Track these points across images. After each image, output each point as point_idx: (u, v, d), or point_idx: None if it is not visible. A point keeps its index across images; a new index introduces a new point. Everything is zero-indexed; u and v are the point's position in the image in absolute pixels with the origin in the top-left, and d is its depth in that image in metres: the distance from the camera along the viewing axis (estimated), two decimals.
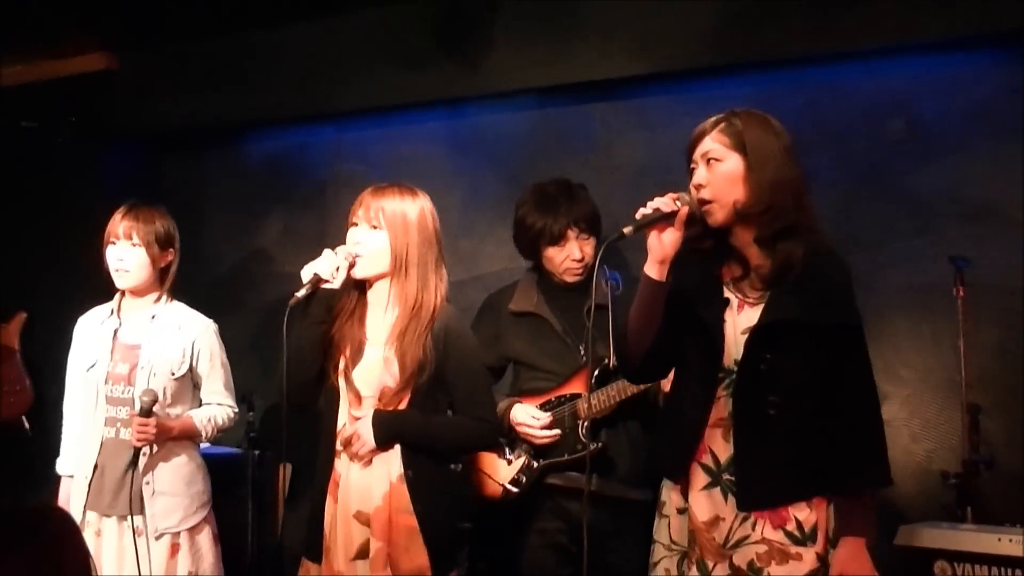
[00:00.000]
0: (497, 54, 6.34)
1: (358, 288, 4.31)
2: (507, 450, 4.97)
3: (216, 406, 5.00)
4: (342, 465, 4.21)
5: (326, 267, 4.15)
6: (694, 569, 3.68)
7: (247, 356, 5.90)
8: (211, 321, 5.07)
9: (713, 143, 3.65)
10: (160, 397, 4.78)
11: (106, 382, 4.88)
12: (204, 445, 5.06)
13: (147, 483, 4.77)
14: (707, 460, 3.69)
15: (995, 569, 4.51)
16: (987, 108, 5.51)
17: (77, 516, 4.68)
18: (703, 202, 3.63)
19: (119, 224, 4.92)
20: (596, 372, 4.80)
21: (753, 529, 3.62)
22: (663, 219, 3.60)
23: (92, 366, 4.92)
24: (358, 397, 4.22)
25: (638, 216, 3.62)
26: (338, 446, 4.23)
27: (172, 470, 4.84)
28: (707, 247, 3.72)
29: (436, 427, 4.25)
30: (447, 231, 6.31)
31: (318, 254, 4.22)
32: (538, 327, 5.02)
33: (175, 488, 4.83)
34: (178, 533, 4.79)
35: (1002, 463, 5.25)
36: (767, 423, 3.60)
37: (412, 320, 4.18)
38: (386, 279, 4.26)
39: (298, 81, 6.95)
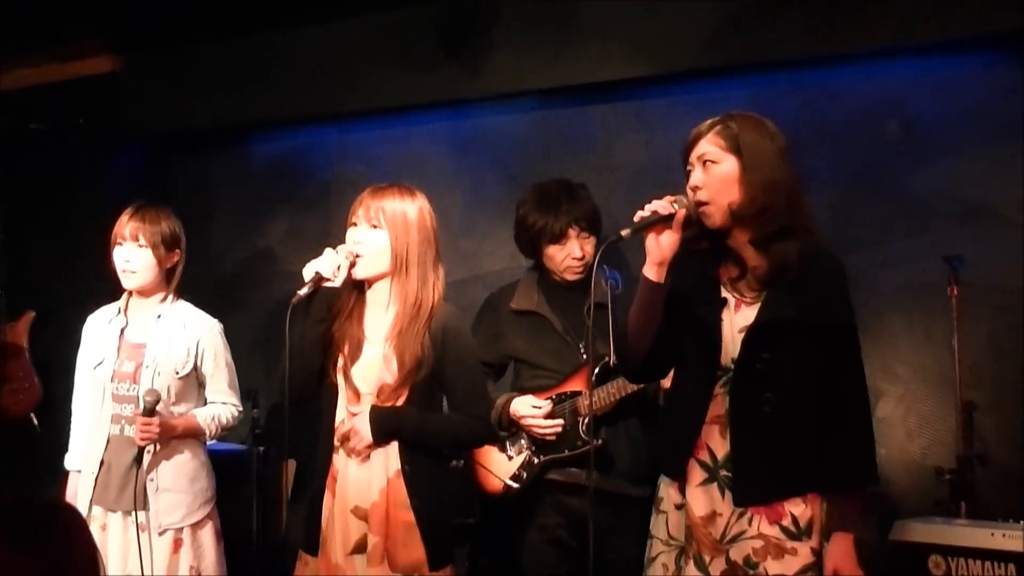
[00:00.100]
0: (498, 56, 6.33)
1: (357, 287, 4.32)
2: (508, 446, 4.98)
3: (220, 405, 5.01)
4: (340, 461, 4.23)
5: (328, 266, 4.16)
6: (692, 564, 3.70)
7: (252, 354, 5.91)
8: (216, 321, 5.08)
9: (709, 145, 3.66)
10: (164, 396, 4.80)
11: (112, 380, 4.89)
12: (209, 442, 5.07)
13: (151, 480, 4.78)
14: (704, 456, 3.70)
15: (989, 564, 4.50)
16: (982, 109, 5.50)
17: (83, 510, 4.70)
18: (700, 204, 3.64)
19: (126, 225, 4.92)
20: (596, 370, 4.80)
21: (749, 524, 3.63)
22: (661, 221, 3.61)
23: (99, 364, 4.94)
24: (357, 394, 4.24)
25: (636, 219, 3.63)
26: (336, 442, 4.25)
27: (176, 467, 4.85)
28: (704, 248, 3.73)
29: (432, 424, 4.28)
30: (449, 231, 6.37)
31: (321, 253, 4.25)
32: (539, 325, 5.03)
33: (179, 485, 4.84)
34: (181, 529, 4.80)
35: (996, 459, 5.26)
36: (763, 420, 3.62)
37: (411, 318, 4.20)
38: (386, 279, 4.28)
39: (302, 83, 6.94)
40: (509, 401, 4.95)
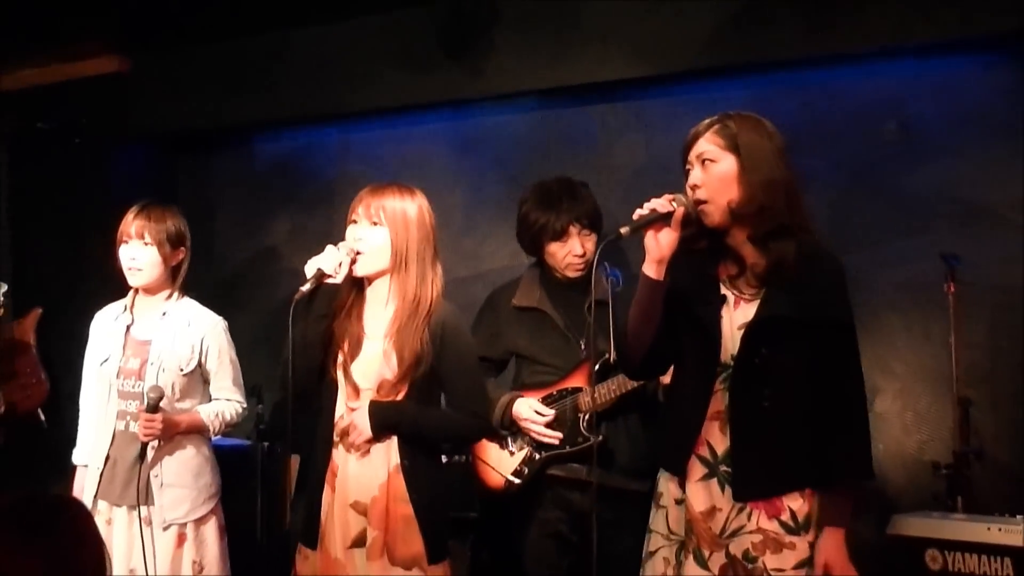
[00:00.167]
0: (499, 57, 6.34)
1: (356, 285, 4.32)
2: (509, 442, 4.98)
3: (225, 402, 5.00)
4: (339, 456, 4.24)
5: (330, 262, 4.16)
6: (691, 558, 3.70)
7: (257, 351, 5.90)
8: (220, 318, 5.07)
9: (708, 145, 3.66)
10: (169, 392, 4.80)
11: (118, 376, 4.89)
12: (214, 438, 5.07)
13: (155, 475, 4.78)
14: (704, 452, 3.71)
15: (985, 558, 4.51)
16: (980, 110, 5.52)
17: (89, 505, 4.70)
18: (699, 202, 3.64)
19: (131, 224, 4.92)
20: (597, 367, 4.80)
21: (749, 519, 3.64)
22: (660, 220, 3.62)
23: (105, 360, 4.94)
24: (356, 390, 4.24)
25: (635, 217, 3.63)
26: (335, 437, 4.26)
27: (180, 463, 4.85)
28: (703, 247, 3.73)
29: (430, 419, 4.28)
30: (450, 229, 6.39)
31: (323, 251, 4.26)
32: (540, 322, 5.03)
33: (183, 480, 4.83)
34: (185, 524, 4.80)
35: (992, 454, 5.28)
36: (762, 416, 3.62)
37: (410, 314, 4.20)
38: (385, 276, 4.28)
39: (305, 84, 6.94)
40: (512, 401, 4.95)
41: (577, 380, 4.90)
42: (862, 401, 3.70)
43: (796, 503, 3.63)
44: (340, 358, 4.29)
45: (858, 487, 3.74)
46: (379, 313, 4.30)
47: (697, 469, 3.72)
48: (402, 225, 4.25)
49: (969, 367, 5.33)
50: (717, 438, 3.69)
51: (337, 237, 4.32)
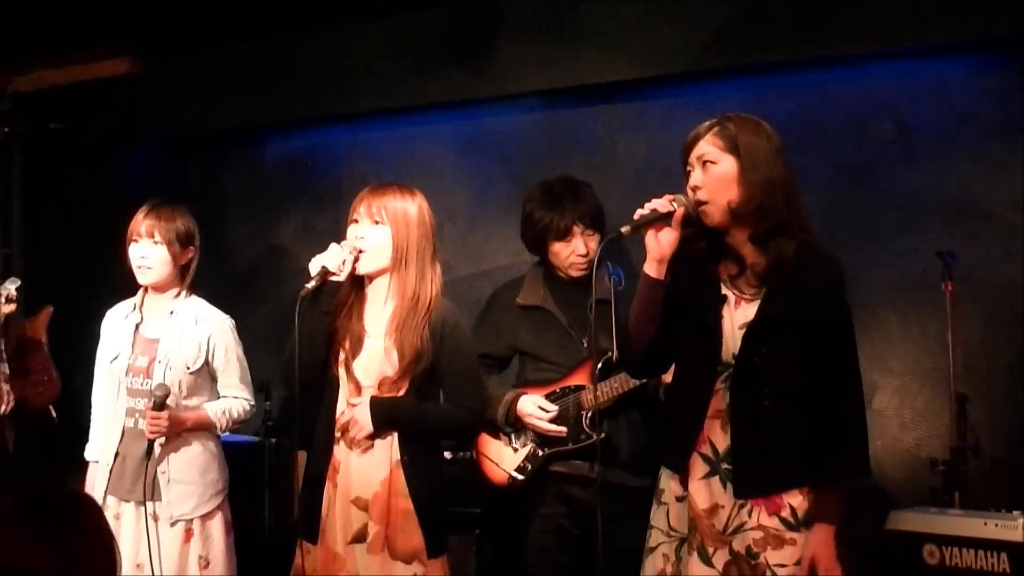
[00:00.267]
0: (503, 59, 6.34)
1: (355, 283, 4.32)
2: (513, 438, 4.97)
3: (232, 399, 4.97)
4: (341, 452, 4.25)
5: (333, 260, 4.17)
6: (694, 555, 3.67)
7: (265, 347, 5.88)
8: (227, 317, 5.04)
9: (708, 146, 3.63)
10: (176, 390, 4.77)
11: (127, 374, 4.86)
12: (222, 435, 5.05)
13: (163, 472, 4.75)
14: (706, 450, 3.68)
15: (982, 553, 4.50)
16: (972, 110, 5.51)
17: (98, 500, 4.69)
18: (699, 203, 3.61)
19: (141, 223, 4.90)
20: (599, 365, 4.78)
21: (750, 516, 3.61)
22: (660, 219, 3.61)
23: (115, 358, 4.91)
24: (358, 387, 4.26)
25: (636, 217, 3.62)
26: (336, 434, 4.26)
27: (187, 460, 4.82)
28: (703, 247, 3.71)
29: (429, 413, 4.31)
30: (455, 228, 6.40)
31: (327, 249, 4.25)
32: (544, 320, 5.00)
33: (190, 477, 4.81)
34: (191, 520, 4.77)
35: (988, 450, 5.27)
36: (763, 414, 3.60)
37: (409, 312, 4.22)
38: (385, 274, 4.29)
39: (314, 85, 6.94)
40: (517, 398, 4.92)
41: (580, 378, 4.87)
42: (860, 399, 3.67)
43: (796, 500, 3.60)
44: (342, 356, 4.30)
45: (855, 484, 3.73)
46: (379, 311, 4.31)
47: (699, 467, 3.69)
48: (403, 224, 4.26)
49: (966, 364, 5.31)
50: (718, 436, 3.66)
51: (345, 235, 4.31)
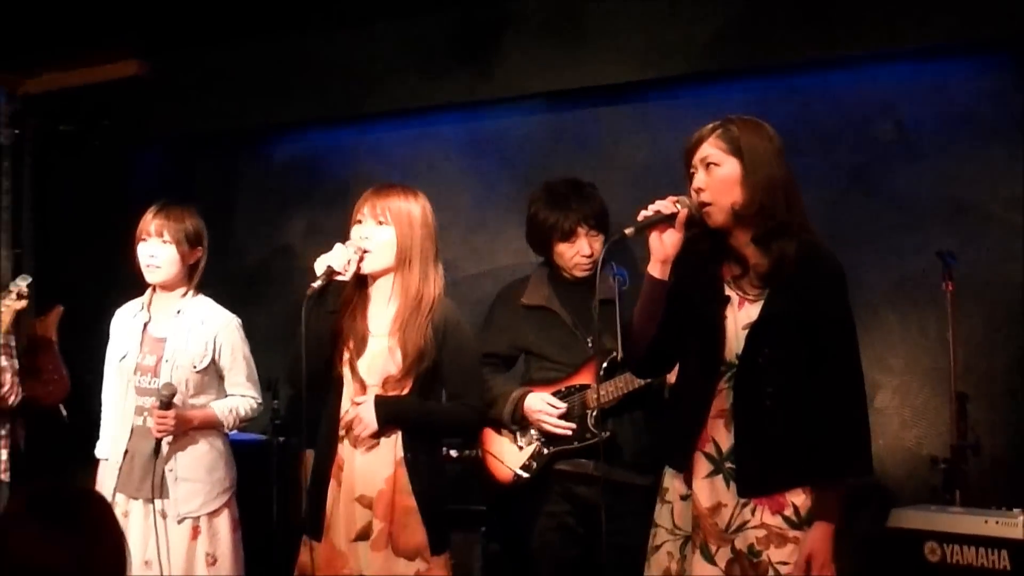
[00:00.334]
0: (508, 61, 6.35)
1: (359, 283, 4.33)
2: (518, 437, 4.96)
3: (239, 398, 4.97)
4: (345, 451, 4.27)
5: (339, 260, 4.18)
6: (698, 553, 3.66)
7: (273, 346, 5.88)
8: (234, 316, 5.03)
9: (711, 148, 3.62)
10: (183, 389, 4.77)
11: (135, 373, 4.87)
12: (232, 433, 5.05)
13: (170, 470, 4.75)
14: (710, 449, 3.66)
15: (982, 550, 4.50)
16: (971, 111, 5.51)
17: (108, 497, 4.69)
18: (703, 205, 3.60)
19: (151, 222, 4.90)
20: (604, 364, 4.78)
21: (753, 514, 3.59)
22: (664, 221, 3.61)
23: (123, 357, 4.91)
24: (363, 386, 4.28)
25: (640, 218, 3.63)
26: (340, 432, 4.27)
27: (194, 458, 4.82)
28: (707, 248, 3.70)
29: (432, 411, 4.35)
30: (461, 227, 6.40)
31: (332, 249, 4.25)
32: (549, 320, 4.98)
33: (197, 475, 4.80)
34: (198, 517, 4.77)
35: (988, 448, 5.27)
36: (766, 414, 3.58)
37: (413, 311, 4.24)
38: (389, 274, 4.31)
39: (321, 87, 6.94)
40: (523, 396, 4.91)
41: (584, 377, 4.86)
42: (862, 398, 3.66)
43: (799, 498, 3.59)
44: (346, 355, 4.32)
45: (857, 482, 3.73)
46: (383, 310, 4.33)
47: (702, 466, 3.68)
48: (407, 224, 4.28)
49: (966, 363, 5.31)
50: (722, 435, 3.65)
51: (350, 236, 4.32)
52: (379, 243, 4.26)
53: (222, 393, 4.98)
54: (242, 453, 5.15)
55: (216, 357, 4.92)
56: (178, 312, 4.92)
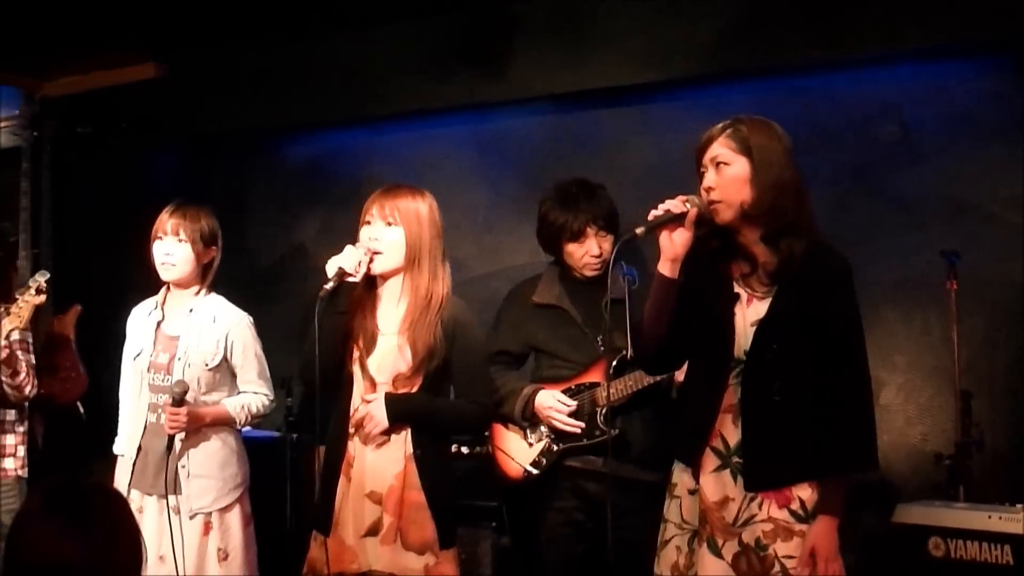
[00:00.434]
0: (517, 64, 6.36)
1: (368, 283, 4.30)
2: (528, 433, 4.95)
3: (252, 394, 4.95)
4: (355, 447, 4.24)
5: (349, 262, 4.15)
6: (705, 546, 3.64)
7: (286, 345, 5.87)
8: (245, 314, 5.02)
9: (721, 148, 3.60)
10: (195, 386, 4.76)
11: (149, 370, 4.86)
12: (245, 429, 5.03)
13: (183, 466, 4.74)
14: (718, 444, 3.65)
15: (986, 545, 4.50)
16: (973, 112, 5.52)
17: (123, 493, 4.69)
18: (712, 203, 3.59)
19: (167, 221, 4.89)
20: (614, 362, 4.76)
21: (760, 508, 3.58)
22: (673, 220, 3.59)
23: (138, 355, 4.90)
24: (373, 383, 4.25)
25: (650, 217, 3.60)
26: (350, 429, 4.25)
27: (207, 454, 4.80)
28: (716, 246, 3.68)
29: (441, 408, 4.31)
30: (471, 227, 6.40)
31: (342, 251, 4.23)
32: (560, 318, 4.97)
33: (209, 471, 4.79)
34: (210, 513, 4.76)
35: (992, 445, 5.27)
36: (773, 409, 3.56)
37: (423, 310, 4.22)
38: (398, 274, 4.28)
39: (335, 89, 6.95)
40: (535, 393, 4.90)
41: (594, 375, 4.84)
42: (868, 394, 3.66)
43: (805, 493, 3.57)
44: (356, 353, 4.30)
45: (863, 477, 3.71)
46: (392, 309, 4.30)
47: (710, 460, 3.66)
48: (416, 225, 4.25)
49: (969, 361, 5.33)
50: (730, 430, 3.63)
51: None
52: (389, 244, 4.24)
53: (234, 390, 4.96)
54: (256, 449, 5.14)
55: (228, 355, 4.90)
56: (191, 310, 4.91)
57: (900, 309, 5.59)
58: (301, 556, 4.36)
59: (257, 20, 6.83)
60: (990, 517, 4.52)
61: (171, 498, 4.70)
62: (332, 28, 6.89)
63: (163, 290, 4.99)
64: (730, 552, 3.62)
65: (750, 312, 3.63)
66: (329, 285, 4.12)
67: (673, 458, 3.88)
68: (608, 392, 4.71)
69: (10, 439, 5.62)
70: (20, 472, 5.63)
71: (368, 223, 4.29)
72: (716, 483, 3.65)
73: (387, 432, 4.18)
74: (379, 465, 4.18)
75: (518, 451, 4.95)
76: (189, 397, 4.70)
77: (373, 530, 4.15)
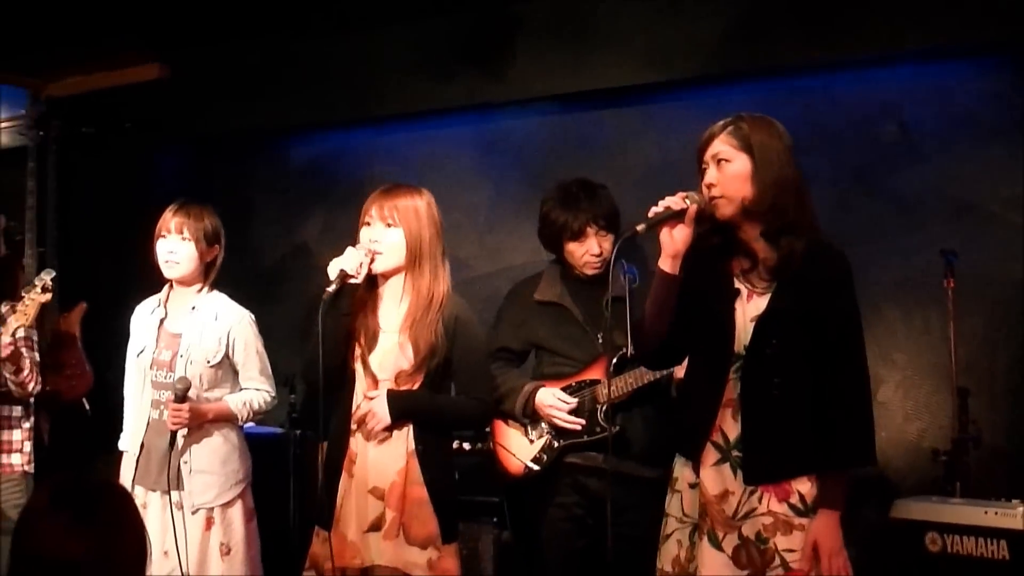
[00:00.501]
0: (520, 64, 6.36)
1: (369, 283, 4.32)
2: (529, 430, 4.96)
3: (253, 391, 4.96)
4: (357, 444, 4.26)
5: (351, 263, 4.17)
6: (705, 539, 3.65)
7: (289, 343, 5.89)
8: (246, 312, 5.03)
9: (722, 145, 3.61)
10: (197, 383, 4.77)
11: (151, 367, 4.87)
12: (249, 425, 5.04)
13: (185, 462, 4.76)
14: (718, 438, 3.66)
15: (982, 540, 4.51)
16: (972, 113, 5.52)
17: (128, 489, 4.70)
18: (714, 198, 3.60)
19: (171, 220, 4.90)
20: (614, 360, 4.78)
21: (760, 502, 3.58)
22: (674, 216, 3.60)
23: (141, 352, 4.92)
24: (375, 381, 4.27)
25: (650, 214, 3.62)
26: (352, 426, 4.27)
27: (209, 450, 4.82)
28: (717, 242, 3.69)
29: (442, 405, 4.34)
30: (474, 226, 6.41)
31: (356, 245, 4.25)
32: (561, 316, 4.98)
33: (211, 467, 4.80)
34: (212, 508, 4.78)
35: (988, 442, 5.26)
36: (772, 404, 3.58)
37: (424, 309, 4.24)
38: (400, 273, 4.30)
39: (338, 89, 6.95)
40: (536, 390, 4.91)
41: (595, 373, 4.86)
42: (866, 390, 3.67)
43: (804, 487, 3.58)
44: (357, 351, 4.31)
45: (861, 473, 3.72)
46: (394, 308, 4.32)
47: (711, 454, 3.67)
48: (415, 225, 4.27)
49: (967, 359, 5.33)
50: (730, 425, 3.64)
51: None
52: (389, 245, 4.26)
53: (236, 387, 4.98)
54: (259, 445, 5.15)
55: (229, 352, 4.92)
56: (193, 308, 4.92)
57: (900, 308, 5.59)
58: (304, 551, 4.38)
59: (260, 21, 6.84)
60: (986, 513, 4.53)
61: (173, 494, 4.72)
62: (335, 29, 6.90)
63: (166, 288, 5.01)
64: (730, 545, 3.62)
65: (750, 308, 3.64)
66: (332, 288, 4.13)
67: (672, 454, 3.89)
68: (608, 389, 4.72)
69: (16, 435, 5.65)
70: (26, 468, 5.65)
71: (368, 224, 4.31)
72: (716, 477, 3.66)
73: (389, 429, 4.20)
74: (381, 461, 4.20)
75: (519, 447, 4.96)
76: (191, 394, 4.71)
77: (376, 525, 4.17)
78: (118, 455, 5.00)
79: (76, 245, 7.14)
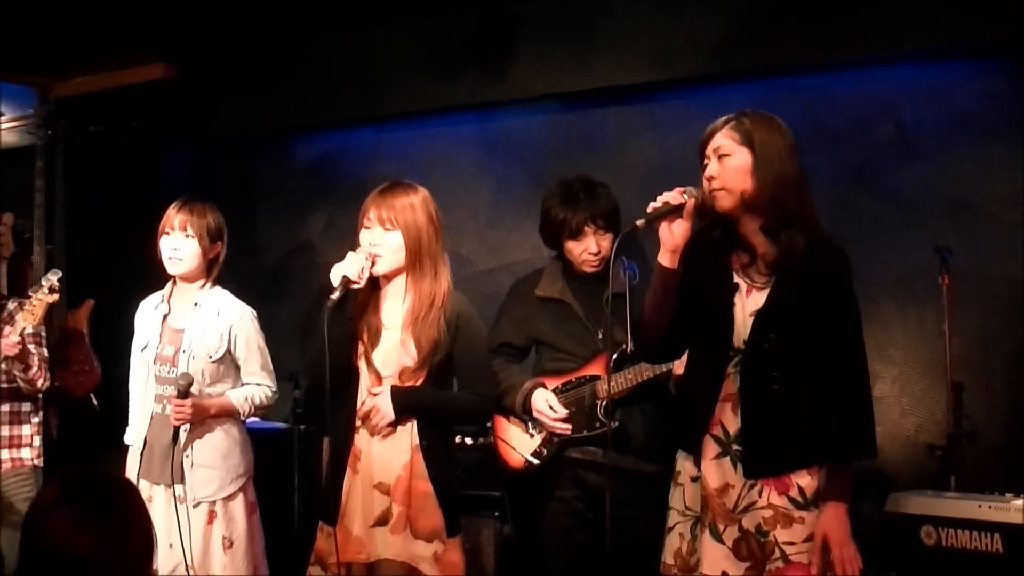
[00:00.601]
0: (522, 63, 6.36)
1: (371, 282, 4.33)
2: (529, 425, 4.97)
3: (255, 386, 4.97)
4: (362, 440, 4.28)
5: (353, 269, 4.18)
6: (707, 532, 3.67)
7: (293, 339, 5.92)
8: (248, 308, 5.04)
9: (724, 139, 3.63)
10: (199, 379, 4.79)
11: (155, 362, 4.89)
12: (253, 420, 5.06)
13: (187, 456, 4.78)
14: (718, 432, 3.68)
15: (976, 533, 4.50)
16: (970, 112, 5.51)
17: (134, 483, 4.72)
18: (714, 191, 3.62)
19: (174, 217, 4.92)
20: (614, 356, 4.80)
21: (760, 495, 3.61)
22: (672, 211, 3.61)
23: (145, 347, 4.95)
24: (379, 378, 4.29)
25: (648, 210, 3.63)
26: (357, 422, 4.29)
27: (211, 445, 4.83)
28: (717, 236, 3.71)
29: (445, 400, 4.37)
30: (477, 224, 6.41)
31: (357, 247, 4.26)
32: (562, 312, 4.99)
33: (213, 461, 4.82)
34: (214, 502, 4.79)
35: (983, 436, 5.27)
36: (772, 398, 3.60)
37: (427, 307, 4.26)
38: (401, 273, 4.32)
39: (341, 88, 6.96)
40: (534, 388, 4.93)
41: (595, 368, 4.87)
42: (866, 383, 3.70)
43: (804, 480, 3.60)
44: (361, 348, 4.33)
45: (858, 466, 3.73)
46: (396, 306, 4.34)
47: (711, 448, 3.69)
48: (413, 226, 4.28)
49: (962, 354, 5.32)
50: (729, 419, 3.66)
51: None
52: (389, 248, 4.27)
53: (238, 382, 4.99)
54: (264, 441, 5.17)
55: (231, 348, 4.93)
56: (195, 304, 4.94)
57: (897, 304, 5.59)
58: (308, 546, 4.39)
59: (265, 21, 6.84)
60: (980, 506, 4.52)
61: (176, 487, 4.73)
62: (339, 29, 6.90)
63: (169, 284, 5.03)
64: (731, 538, 3.65)
65: (749, 302, 3.66)
66: (336, 294, 4.14)
67: (671, 450, 3.91)
68: (608, 385, 4.74)
69: (26, 429, 5.67)
70: (36, 461, 5.67)
71: (367, 227, 4.31)
72: (717, 470, 3.68)
73: (393, 424, 4.22)
74: (386, 456, 4.22)
75: (520, 442, 4.98)
76: (194, 389, 4.73)
77: (382, 520, 4.19)
78: (125, 449, 5.02)
79: (84, 243, 7.16)
